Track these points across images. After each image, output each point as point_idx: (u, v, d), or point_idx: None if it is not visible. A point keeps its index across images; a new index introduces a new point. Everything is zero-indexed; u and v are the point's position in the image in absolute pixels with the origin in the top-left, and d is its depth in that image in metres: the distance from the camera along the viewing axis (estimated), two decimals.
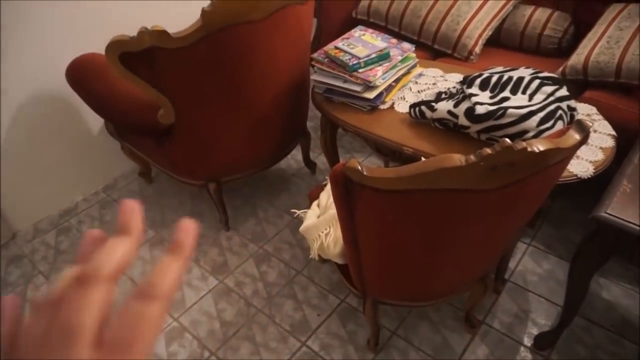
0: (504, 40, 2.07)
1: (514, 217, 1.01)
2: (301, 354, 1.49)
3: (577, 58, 1.70)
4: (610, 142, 1.31)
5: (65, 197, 2.15)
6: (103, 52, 1.36)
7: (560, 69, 1.75)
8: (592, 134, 1.34)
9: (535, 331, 1.49)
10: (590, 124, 1.38)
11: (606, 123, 1.39)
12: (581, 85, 1.72)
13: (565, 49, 1.94)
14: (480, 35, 1.93)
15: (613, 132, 1.35)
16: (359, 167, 0.84)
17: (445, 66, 1.76)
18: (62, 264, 1.88)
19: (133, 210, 0.28)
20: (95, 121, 2.07)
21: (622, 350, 1.43)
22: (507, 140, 0.76)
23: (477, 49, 1.94)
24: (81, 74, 1.74)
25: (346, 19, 2.26)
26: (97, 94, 1.72)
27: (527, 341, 1.48)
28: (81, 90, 1.76)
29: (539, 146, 0.81)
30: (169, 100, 1.49)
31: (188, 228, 0.28)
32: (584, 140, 0.92)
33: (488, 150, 0.77)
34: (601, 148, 1.28)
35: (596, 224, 1.07)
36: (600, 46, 1.66)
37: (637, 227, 1.02)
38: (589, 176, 1.21)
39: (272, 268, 1.78)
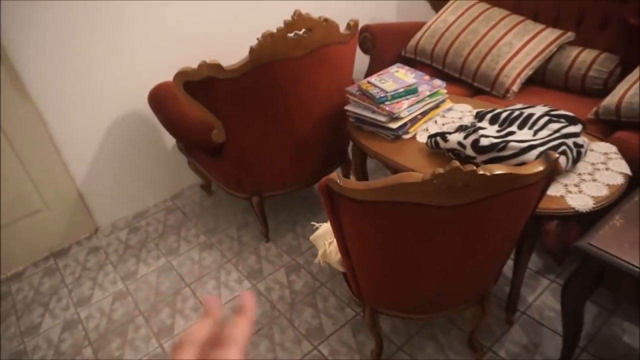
0: (549, 80, 2.10)
1: (486, 238, 1.09)
2: (311, 356, 1.62)
3: (611, 99, 1.71)
4: (619, 180, 1.32)
5: (139, 202, 2.52)
6: None
7: (594, 109, 1.76)
8: (603, 172, 1.36)
9: None
10: (604, 162, 1.41)
11: (622, 162, 1.40)
12: (616, 125, 1.72)
13: (611, 90, 1.93)
14: (518, 75, 2.00)
15: (627, 172, 1.36)
16: (337, 179, 1.00)
17: (477, 102, 1.85)
18: (127, 257, 2.21)
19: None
20: (169, 139, 2.43)
21: None
22: (456, 162, 0.88)
23: (515, 88, 2.01)
24: (158, 99, 2.09)
25: (396, 57, 2.43)
26: (169, 115, 2.05)
27: None
28: (158, 111, 2.11)
29: (492, 170, 0.91)
30: (221, 121, 1.77)
31: (249, 296, 0.41)
32: (550, 172, 1.00)
33: (440, 170, 0.89)
34: (608, 185, 1.31)
35: (578, 253, 1.11)
36: (636, 87, 1.66)
37: (617, 260, 1.05)
38: (587, 210, 1.24)
39: (300, 278, 1.95)
